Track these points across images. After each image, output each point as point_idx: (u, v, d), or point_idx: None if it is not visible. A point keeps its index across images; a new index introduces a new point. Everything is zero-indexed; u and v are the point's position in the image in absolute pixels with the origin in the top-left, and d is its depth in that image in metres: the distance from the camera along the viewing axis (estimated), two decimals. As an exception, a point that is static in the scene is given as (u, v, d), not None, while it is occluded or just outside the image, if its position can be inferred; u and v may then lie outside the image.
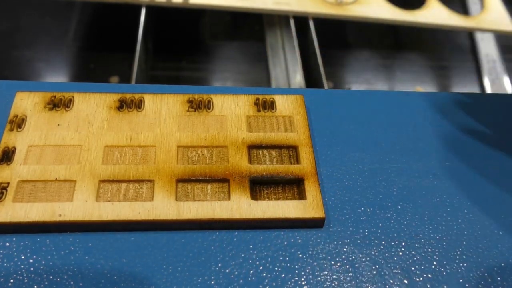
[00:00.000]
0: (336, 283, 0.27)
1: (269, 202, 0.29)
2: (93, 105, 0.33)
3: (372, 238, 0.29)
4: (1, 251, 0.27)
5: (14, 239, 0.27)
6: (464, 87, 0.77)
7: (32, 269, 0.26)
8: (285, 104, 0.34)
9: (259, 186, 0.30)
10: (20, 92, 0.33)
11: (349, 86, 0.75)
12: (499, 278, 0.28)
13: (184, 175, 0.30)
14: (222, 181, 0.30)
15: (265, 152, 0.32)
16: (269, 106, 0.34)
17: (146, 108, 0.33)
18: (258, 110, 0.34)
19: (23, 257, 0.26)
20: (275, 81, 0.64)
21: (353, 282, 0.27)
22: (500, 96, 0.40)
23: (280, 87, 0.63)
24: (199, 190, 0.29)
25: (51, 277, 0.26)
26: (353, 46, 0.81)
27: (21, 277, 0.26)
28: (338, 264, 0.28)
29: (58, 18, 0.76)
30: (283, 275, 0.27)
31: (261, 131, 0.33)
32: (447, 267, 0.28)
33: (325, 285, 0.27)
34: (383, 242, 0.29)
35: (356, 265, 0.28)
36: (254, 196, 0.29)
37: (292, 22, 0.69)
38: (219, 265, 0.27)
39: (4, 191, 0.28)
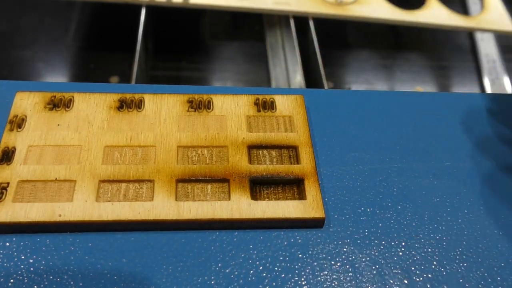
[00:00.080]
0: (336, 283, 0.27)
1: (269, 202, 0.29)
2: (93, 105, 0.33)
3: (372, 238, 0.29)
4: (1, 251, 0.27)
5: (14, 239, 0.27)
6: (464, 87, 0.77)
7: (32, 269, 0.26)
8: (285, 104, 0.34)
9: (259, 186, 0.30)
10: (20, 92, 0.33)
11: (349, 86, 0.75)
12: (499, 278, 0.28)
13: (184, 175, 0.30)
14: (222, 181, 0.30)
15: (265, 152, 0.32)
16: (269, 106, 0.34)
17: (146, 108, 0.33)
18: (258, 110, 0.34)
19: (23, 257, 0.26)
20: (275, 81, 0.64)
21: (353, 282, 0.27)
22: (500, 96, 0.40)
23: (280, 87, 0.63)
24: (199, 190, 0.29)
25: (51, 277, 0.26)
26: (353, 46, 0.80)
27: (21, 277, 0.26)
28: (338, 264, 0.28)
29: (58, 18, 0.76)
30: (283, 275, 0.27)
31: (261, 131, 0.33)
32: (447, 267, 0.28)
33: (325, 285, 0.27)
34: (383, 242, 0.29)
35: (356, 265, 0.28)
36: (254, 196, 0.29)
37: (292, 22, 0.69)
38: (219, 265, 0.27)
39: (4, 191, 0.28)
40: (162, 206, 0.28)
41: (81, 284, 0.26)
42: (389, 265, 0.28)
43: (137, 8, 0.66)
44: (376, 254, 0.28)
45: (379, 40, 0.82)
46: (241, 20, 0.80)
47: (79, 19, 0.76)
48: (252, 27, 0.79)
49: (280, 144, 0.32)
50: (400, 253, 0.29)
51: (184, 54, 0.75)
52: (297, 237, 0.29)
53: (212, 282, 0.26)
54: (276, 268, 0.27)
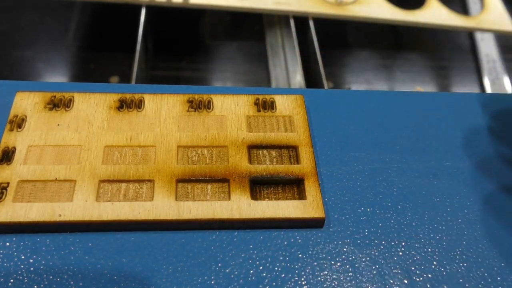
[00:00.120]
0: (336, 283, 0.27)
1: (269, 202, 0.29)
2: (93, 105, 0.33)
3: (372, 238, 0.29)
4: (1, 251, 0.27)
5: (14, 239, 0.27)
6: (464, 87, 0.77)
7: (32, 269, 0.26)
8: (285, 104, 0.34)
9: (259, 186, 0.30)
10: (20, 92, 0.33)
11: (349, 86, 0.75)
12: (499, 278, 0.28)
13: (184, 175, 0.30)
14: (222, 181, 0.30)
15: (265, 152, 0.32)
16: (269, 106, 0.34)
17: (146, 108, 0.33)
18: (258, 110, 0.34)
19: (23, 257, 0.26)
20: (275, 81, 0.64)
21: (353, 282, 0.27)
22: (500, 96, 0.40)
23: (280, 87, 0.63)
24: (199, 190, 0.29)
25: (51, 277, 0.26)
26: (353, 46, 0.80)
27: (21, 277, 0.26)
28: (338, 264, 0.28)
29: (58, 18, 0.76)
30: (283, 275, 0.27)
31: (261, 131, 0.33)
32: (447, 267, 0.28)
33: (325, 285, 0.27)
34: (383, 242, 0.29)
35: (356, 265, 0.28)
36: (254, 196, 0.29)
37: (292, 22, 0.69)
38: (219, 265, 0.27)
39: (4, 191, 0.28)
40: (162, 206, 0.28)
41: (81, 284, 0.26)
42: (389, 265, 0.28)
43: (137, 8, 0.66)
44: (376, 254, 0.28)
45: (379, 40, 0.82)
46: (241, 20, 0.80)
47: (79, 19, 0.76)
48: (252, 27, 0.79)
49: (280, 144, 0.32)
50: (400, 253, 0.29)
51: (184, 54, 0.75)
52: (297, 237, 0.29)
53: (212, 282, 0.26)
54: (276, 268, 0.27)
